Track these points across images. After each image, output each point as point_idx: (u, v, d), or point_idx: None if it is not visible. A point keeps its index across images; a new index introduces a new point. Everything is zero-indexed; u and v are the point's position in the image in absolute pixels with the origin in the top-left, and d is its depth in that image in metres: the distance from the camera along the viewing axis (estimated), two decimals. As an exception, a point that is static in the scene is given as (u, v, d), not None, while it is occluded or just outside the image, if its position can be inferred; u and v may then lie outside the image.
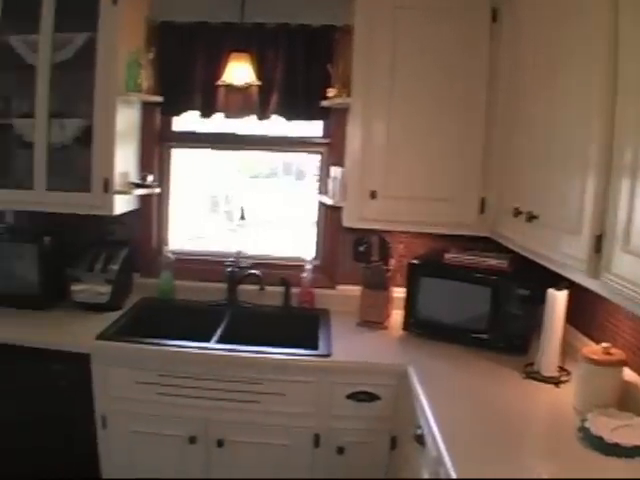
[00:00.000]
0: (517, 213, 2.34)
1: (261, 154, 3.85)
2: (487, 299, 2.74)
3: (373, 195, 2.89)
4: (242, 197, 4.02)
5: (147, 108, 3.35)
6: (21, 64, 3.07)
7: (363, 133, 2.92)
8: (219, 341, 2.84)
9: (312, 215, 3.55)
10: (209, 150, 3.66)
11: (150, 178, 3.27)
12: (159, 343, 2.74)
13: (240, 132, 3.45)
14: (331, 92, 3.09)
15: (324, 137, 3.41)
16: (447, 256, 2.91)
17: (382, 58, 2.85)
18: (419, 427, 2.21)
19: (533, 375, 2.46)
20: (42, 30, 2.98)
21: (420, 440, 2.18)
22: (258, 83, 3.10)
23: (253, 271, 3.25)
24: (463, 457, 1.81)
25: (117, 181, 3.01)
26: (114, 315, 3.05)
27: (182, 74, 3.28)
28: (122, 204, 3.09)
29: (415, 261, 2.97)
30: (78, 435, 2.84)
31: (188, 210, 3.83)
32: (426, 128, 2.88)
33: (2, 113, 3.18)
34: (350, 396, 2.65)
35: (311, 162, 3.68)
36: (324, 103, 3.14)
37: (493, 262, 2.80)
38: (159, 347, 2.72)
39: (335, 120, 3.31)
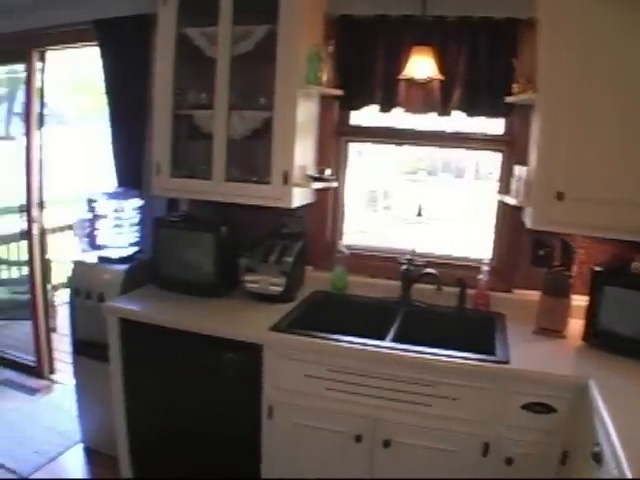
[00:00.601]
0: None
1: (422, 150, 3.77)
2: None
3: (560, 197, 2.73)
4: (420, 195, 3.98)
5: (325, 101, 3.36)
6: (200, 56, 3.16)
7: (548, 131, 2.76)
8: (393, 340, 2.79)
9: (486, 214, 3.42)
10: (388, 145, 3.61)
11: (328, 172, 3.27)
12: (332, 338, 2.73)
13: (418, 128, 3.37)
14: (515, 88, 2.96)
15: (506, 134, 3.27)
16: (635, 265, 2.72)
17: (569, 52, 2.67)
18: (597, 444, 2.08)
19: None
20: (221, 23, 3.06)
21: (597, 458, 2.05)
22: (441, 77, 3.02)
23: (430, 270, 3.18)
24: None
25: (296, 174, 3.04)
26: (287, 307, 3.08)
27: (362, 68, 3.26)
28: (300, 197, 3.12)
29: (599, 268, 2.80)
30: (243, 423, 2.91)
31: (349, 205, 3.81)
32: (617, 127, 2.67)
33: (180, 104, 3.28)
34: (525, 406, 2.53)
35: (482, 160, 3.57)
36: (508, 99, 3.01)
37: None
38: (332, 342, 2.71)
39: (519, 117, 3.16)
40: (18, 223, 4.76)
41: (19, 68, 6.46)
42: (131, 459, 3.27)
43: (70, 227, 6.26)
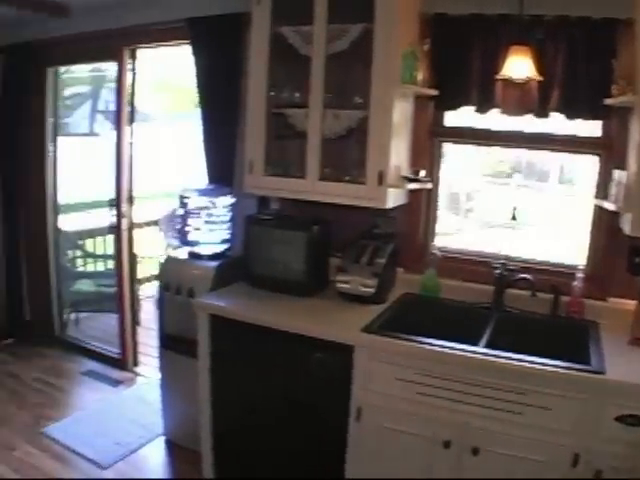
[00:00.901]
0: None
1: (506, 152, 3.70)
2: None
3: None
4: (505, 198, 3.89)
5: (419, 101, 3.32)
6: (294, 55, 3.16)
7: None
8: (486, 345, 2.73)
9: (575, 219, 3.32)
10: (484, 147, 3.55)
11: (422, 173, 3.23)
12: (424, 341, 2.69)
13: (513, 129, 3.29)
14: (614, 89, 2.87)
15: (604, 137, 3.17)
16: None
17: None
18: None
19: None
20: (317, 21, 3.05)
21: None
22: (539, 78, 2.94)
23: (525, 276, 3.11)
24: None
25: (391, 174, 3.01)
26: (378, 309, 3.05)
27: (457, 67, 3.21)
28: (394, 198, 3.09)
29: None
30: (329, 424, 2.90)
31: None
32: None
33: (274, 103, 3.29)
34: (619, 418, 2.43)
35: (567, 164, 3.46)
36: (607, 101, 2.91)
37: None
38: (424, 345, 2.67)
39: (617, 119, 3.05)
40: (107, 218, 4.86)
41: (103, 67, 6.62)
42: (213, 455, 3.30)
43: (154, 223, 6.38)
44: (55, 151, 5.32)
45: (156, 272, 6.72)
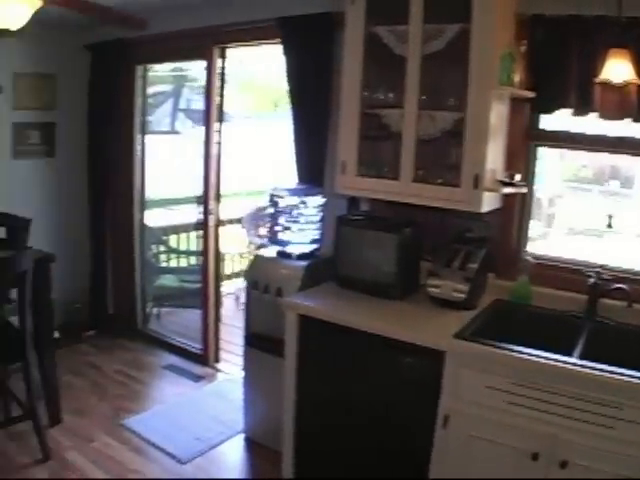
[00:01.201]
0: None
1: (591, 157, 3.59)
2: None
3: None
4: (605, 205, 3.79)
5: (515, 104, 3.25)
6: (388, 54, 3.14)
7: None
8: (580, 356, 2.65)
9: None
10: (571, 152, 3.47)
11: (517, 177, 3.17)
12: (516, 350, 2.63)
13: (609, 134, 3.20)
14: None
15: None
16: None
17: None
18: None
19: None
20: (412, 21, 3.02)
21: None
22: (639, 82, 2.85)
23: (620, 285, 3.01)
24: None
25: (487, 178, 2.96)
26: (469, 314, 3.00)
27: (554, 69, 3.12)
28: (488, 202, 3.03)
29: None
30: (415, 430, 2.86)
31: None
32: None
33: (368, 103, 3.27)
34: None
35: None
36: None
37: None
38: (517, 354, 2.61)
39: None
40: (194, 214, 4.94)
41: (184, 66, 6.75)
42: (294, 455, 3.31)
43: (237, 221, 6.47)
44: (143, 148, 5.45)
45: (237, 270, 6.86)
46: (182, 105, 9.35)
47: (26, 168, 5.29)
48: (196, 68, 6.43)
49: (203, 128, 4.70)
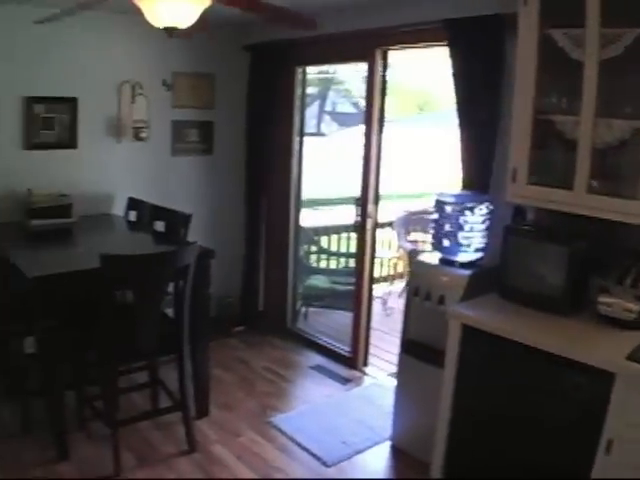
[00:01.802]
0: None
1: None
2: None
3: None
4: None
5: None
6: (563, 59, 3.04)
7: None
8: None
9: None
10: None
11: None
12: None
13: None
14: None
15: None
16: None
17: None
18: None
19: None
20: (589, 25, 2.90)
21: None
22: None
23: None
24: None
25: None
26: (638, 335, 2.84)
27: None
28: (664, 216, 2.88)
29: None
30: (575, 451, 2.76)
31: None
32: None
33: (541, 108, 3.18)
34: None
35: None
36: None
37: None
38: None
39: None
40: (351, 216, 4.98)
41: (331, 69, 6.84)
42: (443, 469, 3.28)
43: (388, 224, 6.49)
44: (300, 149, 5.56)
45: (385, 274, 6.88)
46: (328, 107, 9.50)
47: (185, 165, 5.55)
48: (343, 71, 6.49)
49: (354, 130, 4.73)
